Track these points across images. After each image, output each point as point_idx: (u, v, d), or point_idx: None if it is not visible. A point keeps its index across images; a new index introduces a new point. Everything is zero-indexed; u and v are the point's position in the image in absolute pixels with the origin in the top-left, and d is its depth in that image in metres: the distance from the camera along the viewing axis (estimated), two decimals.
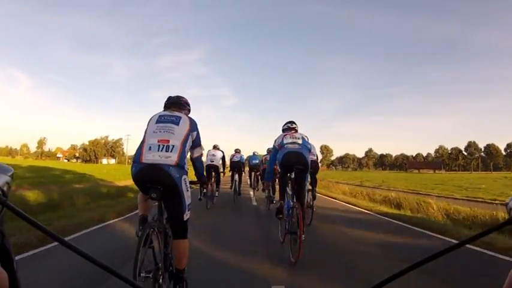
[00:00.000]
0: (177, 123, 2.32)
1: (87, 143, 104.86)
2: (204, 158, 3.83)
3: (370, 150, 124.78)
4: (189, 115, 2.60)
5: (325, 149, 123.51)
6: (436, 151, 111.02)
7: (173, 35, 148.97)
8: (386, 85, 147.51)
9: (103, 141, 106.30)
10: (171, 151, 2.18)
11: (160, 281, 2.11)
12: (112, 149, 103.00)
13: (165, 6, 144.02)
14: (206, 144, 7.60)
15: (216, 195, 8.03)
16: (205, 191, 6.44)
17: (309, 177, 4.29)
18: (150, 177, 2.14)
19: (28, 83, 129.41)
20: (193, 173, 2.70)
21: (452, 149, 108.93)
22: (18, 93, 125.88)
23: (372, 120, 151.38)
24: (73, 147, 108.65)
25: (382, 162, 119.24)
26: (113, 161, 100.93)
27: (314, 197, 5.99)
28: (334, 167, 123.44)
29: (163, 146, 2.18)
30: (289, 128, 4.14)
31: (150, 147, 2.19)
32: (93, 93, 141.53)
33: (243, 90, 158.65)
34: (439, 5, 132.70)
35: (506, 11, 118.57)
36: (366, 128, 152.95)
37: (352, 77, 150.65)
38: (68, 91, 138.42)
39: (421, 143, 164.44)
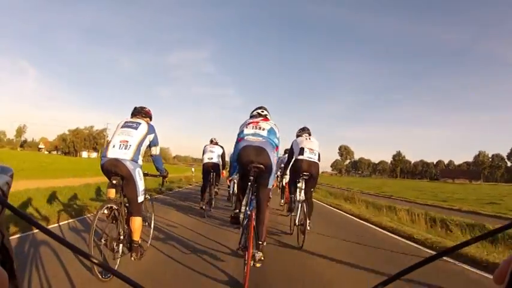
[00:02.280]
0: (136, 128, 3.10)
1: (67, 133, 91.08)
2: (206, 156, 6.81)
3: (399, 153, 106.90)
4: (150, 122, 3.41)
5: (345, 150, 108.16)
6: (475, 158, 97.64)
7: (183, 33, 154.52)
8: (391, 91, 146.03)
9: (87, 131, 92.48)
10: (128, 149, 2.96)
11: (115, 247, 2.86)
12: (95, 140, 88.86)
13: (176, 2, 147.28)
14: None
15: (212, 196, 7.04)
16: (166, 182, 4.62)
17: (303, 184, 4.42)
18: (112, 167, 2.91)
19: (36, 74, 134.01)
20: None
21: (494, 155, 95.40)
22: (27, 84, 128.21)
23: (379, 125, 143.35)
24: (60, 138, 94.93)
25: (400, 168, 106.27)
26: (94, 154, 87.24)
27: (309, 215, 4.40)
28: (347, 173, 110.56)
29: (123, 145, 2.97)
30: (258, 114, 3.38)
31: (114, 145, 2.98)
32: (96, 85, 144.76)
33: (249, 91, 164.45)
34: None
35: None
36: (374, 132, 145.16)
37: (359, 82, 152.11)
38: (71, 82, 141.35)
39: (440, 150, 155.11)
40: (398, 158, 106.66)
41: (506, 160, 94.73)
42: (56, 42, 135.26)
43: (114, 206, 2.92)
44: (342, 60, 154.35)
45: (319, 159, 4.59)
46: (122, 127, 3.11)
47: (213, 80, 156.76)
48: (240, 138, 3.12)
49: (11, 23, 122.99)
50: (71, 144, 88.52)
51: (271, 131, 3.13)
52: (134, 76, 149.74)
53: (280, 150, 3.59)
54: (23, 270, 2.70)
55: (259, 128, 3.12)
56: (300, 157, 4.44)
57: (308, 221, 4.23)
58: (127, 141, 2.97)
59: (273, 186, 3.29)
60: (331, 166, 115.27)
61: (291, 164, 4.64)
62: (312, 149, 4.49)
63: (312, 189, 4.72)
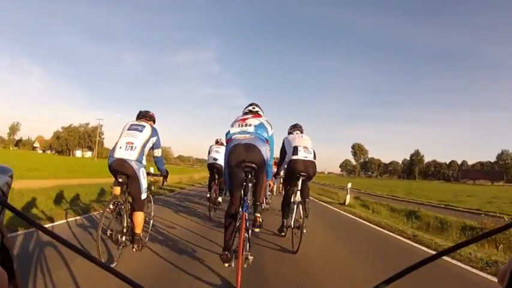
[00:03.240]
0: (141, 131, 3.32)
1: (61, 130, 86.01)
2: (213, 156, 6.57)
3: (417, 153, 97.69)
4: (154, 124, 3.66)
5: (358, 149, 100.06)
6: (498, 157, 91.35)
7: (189, 32, 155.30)
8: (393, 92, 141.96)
9: (82, 129, 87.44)
10: (133, 150, 3.19)
11: (119, 239, 3.13)
12: (89, 138, 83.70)
13: (182, 1, 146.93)
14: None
15: (220, 201, 6.67)
16: (166, 182, 4.64)
17: (300, 184, 4.16)
18: (118, 167, 3.15)
19: (39, 73, 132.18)
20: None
21: None
22: (30, 82, 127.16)
23: (388, 125, 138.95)
24: (55, 136, 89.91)
25: (411, 169, 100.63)
26: (89, 153, 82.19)
27: (305, 216, 4.26)
28: (354, 174, 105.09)
29: (129, 146, 3.20)
30: (250, 111, 3.24)
31: (120, 146, 3.20)
32: (101, 84, 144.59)
33: (255, 90, 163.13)
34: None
35: None
36: (382, 132, 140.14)
37: (363, 82, 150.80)
38: (73, 81, 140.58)
39: (451, 150, 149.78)
40: (416, 157, 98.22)
41: None
42: (57, 41, 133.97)
43: (120, 202, 3.18)
44: (347, 58, 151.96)
45: (314, 158, 4.30)
46: (128, 129, 3.33)
47: (218, 80, 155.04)
48: (228, 139, 3.00)
49: (10, 18, 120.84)
50: (65, 142, 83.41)
51: (259, 126, 3.01)
52: (139, 76, 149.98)
53: (275, 151, 3.35)
54: (23, 269, 2.69)
55: (246, 125, 3.00)
56: (295, 157, 4.21)
57: (304, 223, 4.01)
58: (132, 143, 3.20)
59: (269, 185, 4.04)
60: (340, 166, 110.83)
61: (286, 165, 4.41)
62: (306, 147, 4.27)
63: (299, 201, 4.22)
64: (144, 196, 3.29)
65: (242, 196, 2.80)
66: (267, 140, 2.97)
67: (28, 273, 2.64)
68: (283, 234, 4.44)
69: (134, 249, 3.24)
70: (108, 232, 3.01)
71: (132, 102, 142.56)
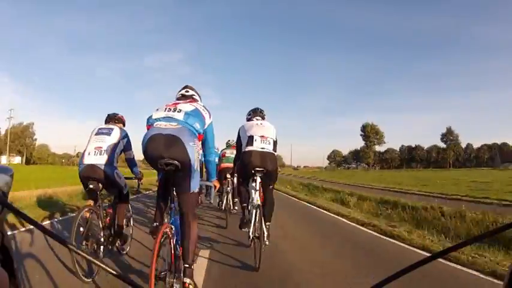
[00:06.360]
0: (109, 134, 3.19)
1: None
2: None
3: (450, 131, 76.45)
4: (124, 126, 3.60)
5: (372, 131, 74.33)
6: None
7: (157, 35, 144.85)
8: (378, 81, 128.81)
9: (14, 130, 71.51)
10: (102, 155, 3.05)
11: (96, 250, 2.91)
12: (18, 141, 68.09)
13: (149, 4, 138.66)
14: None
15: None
16: (141, 184, 4.34)
17: (257, 183, 3.47)
18: (89, 173, 3.00)
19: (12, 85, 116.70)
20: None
21: None
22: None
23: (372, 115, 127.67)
24: None
25: (412, 156, 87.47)
26: (17, 159, 66.89)
27: (266, 221, 3.55)
28: (344, 166, 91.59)
29: (98, 151, 3.06)
30: (182, 96, 2.65)
31: (89, 152, 3.06)
32: (73, 94, 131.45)
33: (226, 89, 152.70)
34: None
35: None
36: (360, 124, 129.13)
37: (341, 74, 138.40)
38: (44, 92, 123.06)
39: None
40: (450, 138, 71.87)
41: None
42: (29, 50, 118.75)
43: (93, 209, 3.01)
44: (327, 52, 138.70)
45: (274, 149, 3.52)
46: (95, 134, 3.23)
47: (189, 80, 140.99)
48: (148, 125, 2.30)
49: None
50: None
51: (192, 113, 2.31)
52: (110, 82, 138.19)
53: (221, 143, 3.06)
54: (23, 269, 2.67)
55: (174, 110, 2.30)
56: (249, 148, 3.42)
57: (266, 232, 3.38)
58: (101, 147, 3.09)
59: (215, 187, 2.82)
60: (328, 158, 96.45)
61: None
62: (264, 137, 3.47)
63: (271, 186, 3.70)
64: (125, 190, 3.31)
65: (170, 203, 2.40)
66: (199, 134, 2.33)
67: (28, 273, 2.65)
68: (246, 230, 3.50)
69: (116, 245, 3.25)
70: (84, 244, 2.79)
71: (104, 109, 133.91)
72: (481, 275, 3.16)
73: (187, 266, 2.18)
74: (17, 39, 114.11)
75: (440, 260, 3.30)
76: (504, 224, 0.35)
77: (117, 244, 3.23)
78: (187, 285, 2.14)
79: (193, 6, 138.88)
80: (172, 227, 2.22)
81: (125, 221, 3.34)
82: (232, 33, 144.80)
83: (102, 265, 0.44)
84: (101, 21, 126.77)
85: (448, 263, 3.48)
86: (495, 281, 2.97)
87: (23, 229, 4.16)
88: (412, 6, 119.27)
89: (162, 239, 2.00)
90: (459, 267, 3.40)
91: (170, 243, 2.11)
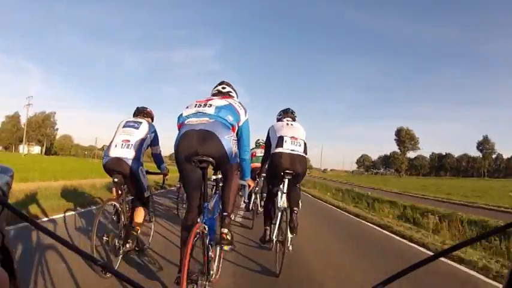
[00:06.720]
0: (137, 128, 3.11)
1: (4, 120, 67.32)
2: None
3: (486, 139, 71.13)
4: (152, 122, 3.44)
5: (407, 136, 71.15)
6: None
7: (188, 30, 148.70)
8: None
9: (35, 119, 68.45)
10: (129, 148, 2.96)
11: (116, 244, 2.81)
12: (39, 130, 64.97)
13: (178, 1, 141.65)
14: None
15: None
16: (167, 180, 4.35)
17: (285, 185, 3.34)
18: (114, 166, 2.92)
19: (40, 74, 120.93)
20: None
21: None
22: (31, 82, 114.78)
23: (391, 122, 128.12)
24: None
25: (442, 164, 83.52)
26: (36, 148, 63.67)
27: (292, 228, 3.47)
28: (372, 171, 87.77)
29: (125, 144, 2.97)
30: (218, 92, 2.55)
31: (116, 144, 2.98)
32: (100, 85, 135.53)
33: (257, 88, 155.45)
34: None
35: None
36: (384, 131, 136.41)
37: (365, 79, 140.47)
38: (72, 81, 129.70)
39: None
40: (486, 147, 68.84)
41: None
42: (56, 40, 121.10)
43: (116, 204, 2.98)
44: (351, 56, 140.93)
45: (305, 151, 3.43)
46: (123, 127, 3.16)
47: (219, 78, 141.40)
48: (179, 124, 2.24)
49: (10, 18, 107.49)
50: (7, 136, 64.57)
51: (225, 107, 2.23)
52: (138, 75, 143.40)
53: (251, 142, 2.79)
54: (23, 269, 2.58)
55: (205, 105, 2.22)
56: (279, 150, 3.35)
57: (290, 238, 3.31)
58: (129, 141, 3.02)
59: (248, 187, 2.75)
60: (357, 162, 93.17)
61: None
62: (294, 138, 3.39)
63: (298, 185, 3.71)
64: (147, 194, 3.18)
65: (202, 202, 2.24)
66: (233, 127, 2.25)
67: (28, 273, 2.59)
68: (267, 246, 3.54)
69: (128, 246, 2.95)
70: (105, 236, 2.77)
71: (131, 101, 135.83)
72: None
73: (225, 214, 2.24)
74: (46, 29, 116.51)
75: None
76: (506, 223, 0.38)
77: (128, 244, 2.96)
78: (224, 235, 2.19)
79: (226, 4, 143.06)
80: (206, 226, 2.07)
81: (143, 227, 3.23)
82: (265, 34, 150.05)
83: (105, 266, 0.41)
84: (129, 13, 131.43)
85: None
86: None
87: (23, 229, 3.75)
88: (448, 17, 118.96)
89: (195, 239, 1.93)
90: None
91: (203, 244, 2.05)
